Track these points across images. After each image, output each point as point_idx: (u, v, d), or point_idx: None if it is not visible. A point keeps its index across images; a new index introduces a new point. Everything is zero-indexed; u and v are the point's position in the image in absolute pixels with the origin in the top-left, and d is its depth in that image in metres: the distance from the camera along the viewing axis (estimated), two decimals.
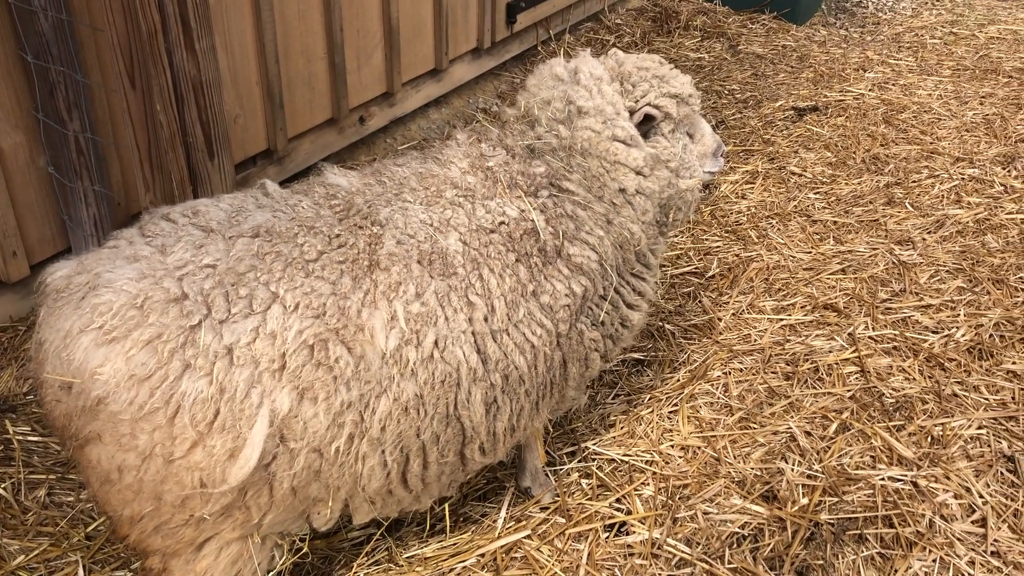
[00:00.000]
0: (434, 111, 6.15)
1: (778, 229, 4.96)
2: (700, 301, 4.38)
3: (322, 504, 2.46)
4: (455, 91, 6.25)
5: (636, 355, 4.01)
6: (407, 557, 3.08)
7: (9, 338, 3.76)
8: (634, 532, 3.17)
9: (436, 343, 2.44)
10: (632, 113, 2.87)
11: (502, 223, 2.66)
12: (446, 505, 3.17)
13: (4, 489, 3.21)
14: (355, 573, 3.02)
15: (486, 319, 2.54)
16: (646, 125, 2.88)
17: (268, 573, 2.52)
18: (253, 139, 4.56)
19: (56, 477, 3.32)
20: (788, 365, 3.96)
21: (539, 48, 6.94)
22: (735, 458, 3.50)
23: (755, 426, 3.65)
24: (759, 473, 3.42)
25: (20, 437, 3.40)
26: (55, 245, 3.85)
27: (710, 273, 4.59)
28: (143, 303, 2.18)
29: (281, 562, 2.56)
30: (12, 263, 3.65)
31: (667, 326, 4.18)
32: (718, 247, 4.81)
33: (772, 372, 3.93)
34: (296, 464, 2.28)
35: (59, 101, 3.50)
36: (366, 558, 3.07)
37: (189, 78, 3.13)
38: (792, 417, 3.67)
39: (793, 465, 3.44)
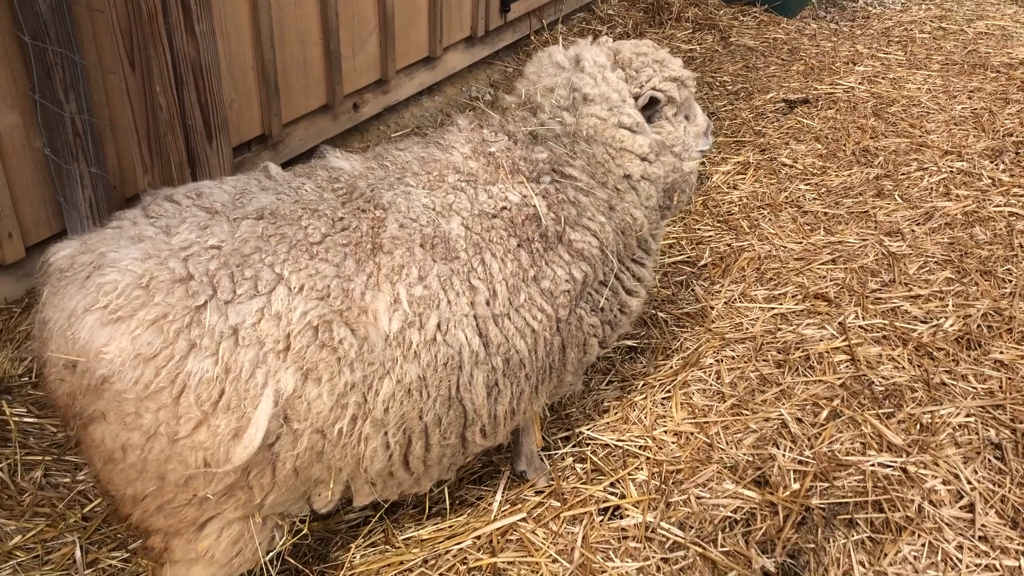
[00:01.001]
0: (427, 99, 6.15)
1: (769, 219, 5.00)
2: (693, 290, 4.42)
3: (324, 485, 2.48)
4: (448, 79, 6.26)
5: (630, 342, 4.04)
6: (404, 539, 3.11)
7: (4, 320, 3.75)
8: (628, 516, 3.21)
9: (439, 326, 2.46)
10: (636, 98, 2.89)
11: (504, 208, 2.68)
12: (445, 487, 3.20)
13: (0, 470, 3.21)
14: (352, 555, 3.05)
15: (488, 303, 2.56)
16: (650, 109, 2.91)
17: (268, 553, 2.54)
18: (248, 124, 4.55)
19: (52, 458, 3.32)
20: (779, 353, 4.01)
21: (532, 37, 6.95)
22: (727, 444, 3.54)
23: (747, 413, 3.69)
24: (751, 459, 3.46)
25: (16, 418, 3.40)
26: (51, 227, 3.84)
27: (702, 262, 4.63)
28: (148, 283, 2.18)
29: (281, 543, 2.58)
30: (8, 245, 3.64)
31: (660, 314, 4.22)
32: (710, 236, 4.85)
33: (764, 360, 3.97)
34: (299, 445, 2.30)
35: (56, 83, 3.49)
36: (363, 540, 3.09)
37: (189, 61, 3.13)
38: (784, 404, 3.72)
39: (785, 451, 3.49)
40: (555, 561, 3.03)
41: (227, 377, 2.17)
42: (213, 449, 2.20)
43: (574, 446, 3.51)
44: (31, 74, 3.50)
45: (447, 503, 3.17)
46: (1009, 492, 3.30)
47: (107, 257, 2.24)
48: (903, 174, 5.43)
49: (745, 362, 3.96)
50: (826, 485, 3.32)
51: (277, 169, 2.67)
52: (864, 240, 4.78)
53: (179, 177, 3.23)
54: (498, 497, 3.27)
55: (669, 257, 4.66)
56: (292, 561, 2.85)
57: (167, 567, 2.46)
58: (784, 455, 3.46)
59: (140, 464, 2.22)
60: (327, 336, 2.30)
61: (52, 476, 3.28)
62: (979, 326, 4.12)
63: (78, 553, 2.98)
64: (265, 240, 2.34)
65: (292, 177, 2.64)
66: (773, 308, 4.28)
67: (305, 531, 2.70)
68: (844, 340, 4.04)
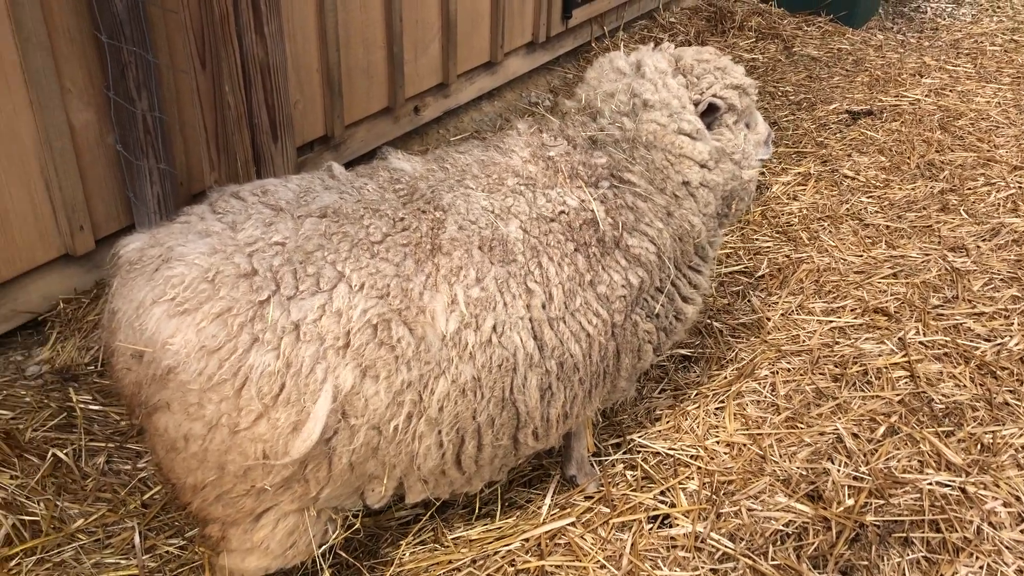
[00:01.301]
0: (487, 103, 6.19)
1: (829, 232, 4.93)
2: (749, 300, 4.38)
3: (377, 481, 2.51)
4: (508, 84, 6.29)
5: (684, 351, 4.02)
6: (453, 538, 3.13)
7: (73, 309, 3.86)
8: (678, 525, 3.19)
9: (494, 328, 2.48)
10: (696, 104, 2.88)
11: (562, 212, 2.69)
12: (496, 488, 3.21)
13: (66, 455, 3.31)
14: (402, 551, 3.08)
15: (544, 306, 2.57)
16: (709, 116, 2.90)
17: (321, 547, 2.58)
18: (311, 125, 4.63)
19: (115, 446, 3.41)
20: (836, 367, 3.95)
21: (593, 44, 6.95)
22: (781, 457, 3.50)
23: (802, 426, 3.65)
24: (804, 472, 3.42)
25: (82, 405, 3.50)
26: (119, 221, 3.95)
27: (759, 273, 4.58)
28: (214, 277, 2.24)
29: (334, 536, 2.62)
30: (79, 237, 3.75)
31: (715, 323, 4.19)
32: (768, 247, 4.80)
33: (820, 373, 3.92)
34: (356, 440, 2.33)
35: (129, 80, 3.60)
36: (413, 537, 3.13)
37: (257, 61, 3.20)
38: (839, 419, 3.66)
39: (839, 466, 3.44)
40: (603, 567, 3.03)
41: (288, 371, 2.22)
42: (272, 441, 2.24)
43: (625, 453, 3.50)
44: (106, 72, 3.61)
45: (498, 504, 3.19)
46: None
47: (175, 251, 2.31)
48: (969, 189, 5.31)
49: (801, 375, 3.91)
50: (881, 502, 3.26)
51: (340, 169, 2.71)
52: (927, 255, 4.69)
53: (244, 175, 3.31)
54: (547, 500, 3.27)
55: (726, 267, 4.62)
56: (343, 555, 2.88)
57: (223, 555, 2.52)
58: (839, 470, 3.41)
59: (201, 454, 2.28)
60: (386, 334, 2.33)
61: (114, 463, 3.37)
62: None
63: (137, 539, 3.06)
64: (328, 238, 2.38)
65: (355, 177, 2.68)
66: (831, 321, 4.22)
67: (357, 526, 2.74)
68: (904, 356, 3.97)
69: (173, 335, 2.20)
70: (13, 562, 2.95)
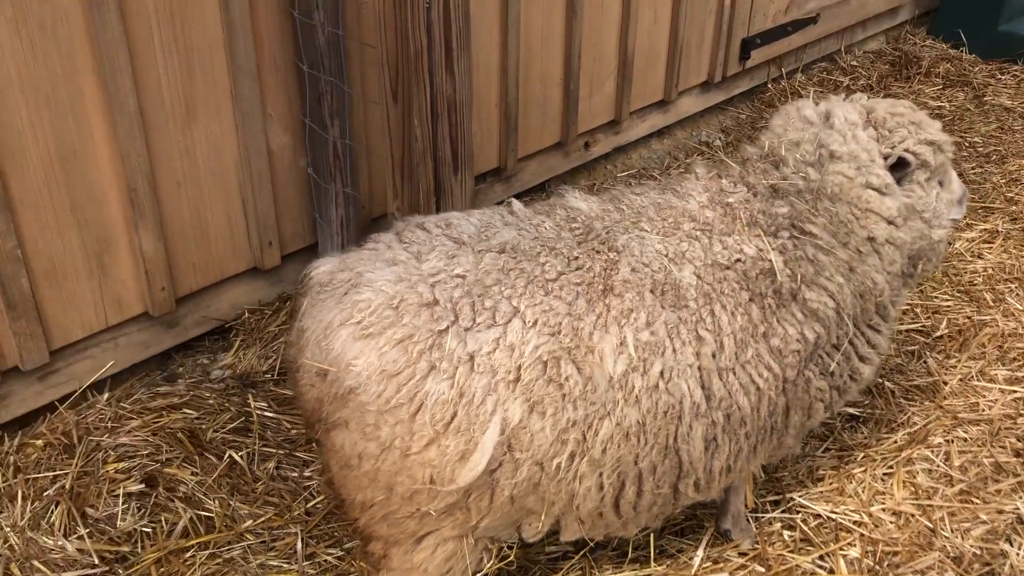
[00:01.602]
0: (656, 141, 6.19)
1: (1017, 294, 4.63)
2: (925, 362, 4.16)
3: (535, 516, 2.54)
4: (679, 123, 6.26)
5: (852, 410, 3.85)
6: None
7: (256, 320, 4.11)
8: None
9: (662, 373, 2.47)
10: (886, 158, 2.79)
11: (738, 260, 2.65)
12: (650, 534, 3.18)
13: (240, 457, 3.51)
14: None
15: (714, 355, 2.54)
16: (899, 171, 2.79)
17: (475, 574, 2.63)
18: (487, 157, 4.77)
19: (285, 452, 3.60)
20: (1019, 441, 3.68)
21: (769, 86, 6.83)
22: (952, 532, 3.29)
23: (977, 501, 3.42)
24: (979, 552, 3.20)
25: (258, 411, 3.71)
26: (304, 239, 4.18)
27: (938, 333, 4.35)
28: (398, 304, 2.34)
29: (488, 566, 2.66)
30: (267, 252, 4.00)
31: (887, 383, 4.00)
32: (948, 307, 4.55)
33: (1000, 446, 3.67)
34: (519, 474, 2.37)
35: (324, 109, 3.82)
36: (562, 574, 3.13)
37: (445, 97, 3.33)
38: (1020, 497, 3.41)
39: (1019, 548, 3.20)
40: None
41: (460, 401, 2.28)
42: (440, 468, 2.31)
43: (784, 511, 3.39)
44: (304, 99, 3.85)
45: (649, 551, 3.15)
46: None
47: (363, 276, 2.43)
48: None
49: (979, 446, 3.67)
50: None
51: (519, 205, 2.78)
52: None
53: (425, 204, 3.44)
54: (700, 553, 3.20)
55: (902, 324, 4.40)
56: None
57: (382, 573, 2.61)
58: (1018, 553, 3.18)
59: (373, 473, 2.37)
60: (555, 371, 2.36)
61: (283, 469, 3.55)
62: None
63: (299, 544, 3.20)
64: (505, 273, 2.45)
65: (533, 214, 2.74)
66: (1016, 392, 3.95)
67: (511, 557, 2.77)
68: None
69: (357, 357, 2.31)
70: (188, 553, 3.15)
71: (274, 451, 3.60)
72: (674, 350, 2.49)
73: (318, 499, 3.41)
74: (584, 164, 5.59)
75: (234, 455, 3.51)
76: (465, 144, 3.49)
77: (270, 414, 3.74)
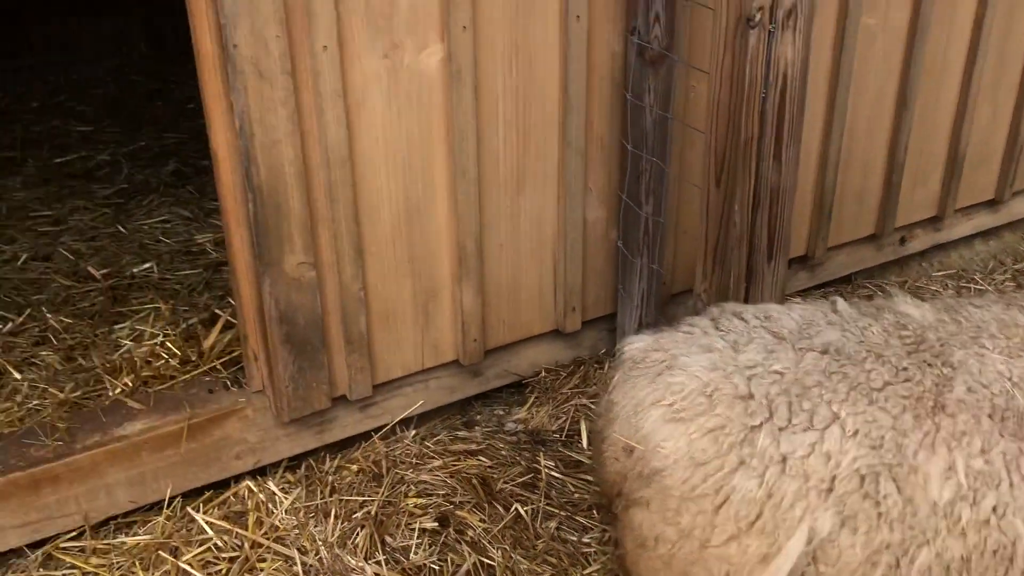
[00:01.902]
0: (979, 242, 5.73)
1: None
2: None
3: None
4: (1008, 225, 5.77)
5: None
6: None
7: (551, 379, 4.27)
8: None
9: (995, 508, 2.26)
10: None
11: None
12: None
13: (526, 512, 3.64)
14: None
15: None
16: None
17: None
18: (795, 244, 4.65)
19: (567, 515, 3.68)
20: None
21: None
22: None
23: None
24: None
25: (547, 470, 3.84)
26: (604, 308, 4.31)
27: None
28: (712, 393, 2.34)
29: None
30: (570, 317, 4.16)
31: None
32: None
33: None
34: None
35: (642, 186, 3.93)
36: None
37: (769, 185, 3.32)
38: None
39: None
40: None
41: (768, 502, 2.23)
42: (739, 566, 2.26)
43: None
44: (623, 177, 3.99)
45: None
46: None
47: (678, 360, 2.46)
48: None
49: None
50: None
51: (844, 304, 2.69)
52: None
53: (735, 289, 3.43)
54: None
55: None
56: None
57: None
58: None
59: (668, 557, 2.37)
60: (872, 487, 2.24)
61: (564, 531, 3.63)
62: None
63: None
64: (827, 376, 2.37)
65: (858, 316, 2.64)
66: None
67: None
68: None
69: (666, 440, 2.33)
70: None
71: (557, 511, 3.69)
72: (1011, 484, 2.28)
73: (594, 567, 3.45)
74: (896, 259, 5.29)
75: (520, 509, 3.65)
76: (783, 232, 3.45)
77: (556, 474, 3.85)
